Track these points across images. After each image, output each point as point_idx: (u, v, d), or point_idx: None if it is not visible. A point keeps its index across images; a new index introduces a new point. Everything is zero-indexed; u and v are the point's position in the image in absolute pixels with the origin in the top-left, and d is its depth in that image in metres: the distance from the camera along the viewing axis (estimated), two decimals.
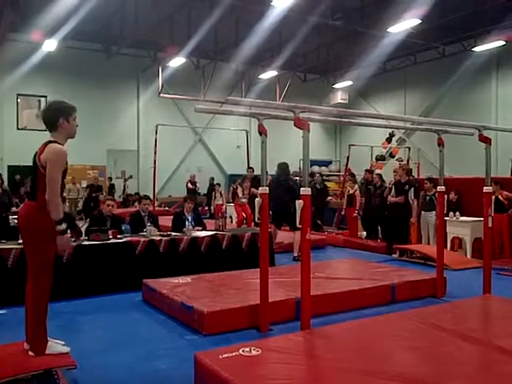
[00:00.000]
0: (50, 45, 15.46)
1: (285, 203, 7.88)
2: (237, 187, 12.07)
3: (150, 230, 6.74)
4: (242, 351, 3.31)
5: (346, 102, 21.72)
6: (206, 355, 3.29)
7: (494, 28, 14.61)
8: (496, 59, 16.66)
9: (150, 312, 5.21)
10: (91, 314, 5.16)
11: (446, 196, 5.99)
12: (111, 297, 5.70)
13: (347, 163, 15.19)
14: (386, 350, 3.58)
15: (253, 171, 11.97)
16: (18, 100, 17.40)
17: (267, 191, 4.46)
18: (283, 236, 9.09)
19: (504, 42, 15.20)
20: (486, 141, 5.54)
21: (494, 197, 7.21)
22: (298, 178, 11.79)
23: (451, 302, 5.35)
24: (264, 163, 4.57)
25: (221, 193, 15.28)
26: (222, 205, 14.98)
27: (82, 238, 6.29)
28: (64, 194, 13.26)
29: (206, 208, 16.30)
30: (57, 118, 3.43)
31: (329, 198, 13.91)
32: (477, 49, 16.11)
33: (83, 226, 8.64)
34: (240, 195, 11.77)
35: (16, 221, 8.00)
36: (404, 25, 13.57)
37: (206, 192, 17.66)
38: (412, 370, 3.14)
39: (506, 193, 8.34)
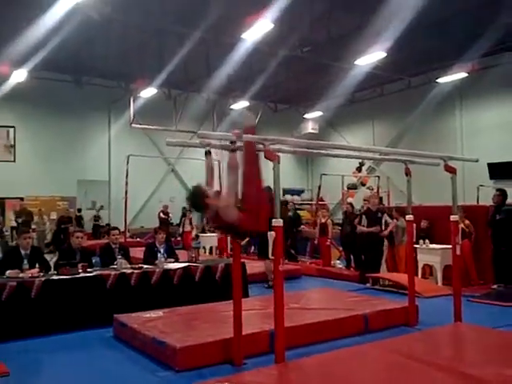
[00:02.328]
0: (19, 75, 15.31)
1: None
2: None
3: (120, 263, 6.61)
4: None
5: (317, 131, 22.05)
6: None
7: (457, 60, 15.22)
8: (459, 90, 17.26)
9: (121, 348, 5.08)
10: (59, 352, 4.99)
11: (416, 224, 6.10)
12: (81, 333, 5.54)
13: (319, 192, 15.36)
14: (360, 382, 3.57)
15: None
16: None
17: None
18: (257, 265, 9.02)
19: (466, 74, 15.82)
20: (452, 171, 5.70)
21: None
22: None
23: (424, 330, 5.40)
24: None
25: (190, 220, 15.21)
26: (191, 232, 14.90)
27: (50, 273, 6.14)
28: (33, 226, 12.91)
29: (179, 238, 16.16)
30: None
31: (301, 226, 13.99)
32: (441, 80, 16.68)
33: (52, 259, 8.44)
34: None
35: None
36: (370, 58, 14.01)
37: (178, 222, 17.53)
38: None
39: (467, 222, 8.57)
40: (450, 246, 5.97)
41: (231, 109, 19.73)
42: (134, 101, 16.97)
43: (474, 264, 8.70)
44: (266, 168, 4.38)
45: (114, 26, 13.54)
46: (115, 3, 12.06)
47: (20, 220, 14.99)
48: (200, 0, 11.85)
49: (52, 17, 11.27)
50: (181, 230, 15.61)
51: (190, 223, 15.71)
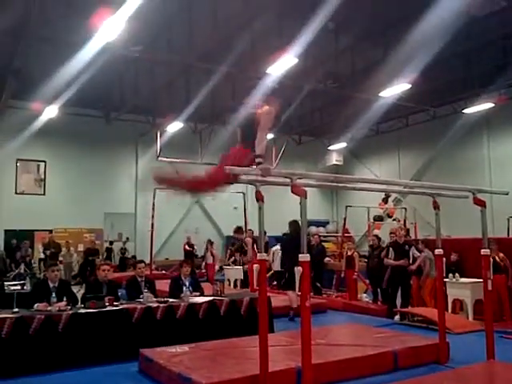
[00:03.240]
0: (51, 111, 15.83)
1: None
2: (234, 250, 12.03)
3: (146, 297, 6.62)
4: None
5: (341, 163, 22.06)
6: None
7: (483, 91, 15.13)
8: (486, 120, 17.11)
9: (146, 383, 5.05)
10: None
11: (445, 258, 5.98)
12: (106, 367, 5.51)
13: (344, 224, 15.23)
14: None
15: (252, 233, 12.02)
16: (18, 164, 17.62)
17: (265, 257, 4.46)
18: (281, 298, 8.93)
19: (493, 104, 15.68)
20: (481, 204, 5.60)
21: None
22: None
23: (455, 368, 5.22)
24: (262, 229, 4.60)
25: (211, 252, 15.20)
26: (214, 265, 14.85)
27: (77, 306, 6.19)
28: (60, 258, 13.09)
29: (204, 271, 16.14)
30: None
31: (327, 258, 13.83)
32: (467, 111, 16.56)
33: (79, 291, 8.52)
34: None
35: (11, 288, 7.89)
36: (394, 89, 14.07)
37: (203, 254, 17.54)
38: None
39: (502, 255, 8.35)
40: (480, 280, 5.82)
41: None
42: (160, 135, 17.30)
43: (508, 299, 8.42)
44: (292, 198, 4.37)
45: (142, 63, 13.99)
46: (143, 41, 12.50)
47: (48, 252, 15.24)
48: (225, 36, 12.17)
49: (84, 55, 11.70)
50: (204, 262, 15.61)
51: (212, 255, 15.73)
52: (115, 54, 12.38)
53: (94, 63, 12.62)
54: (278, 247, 10.85)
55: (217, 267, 15.70)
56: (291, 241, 8.51)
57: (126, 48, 12.07)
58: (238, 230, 12.37)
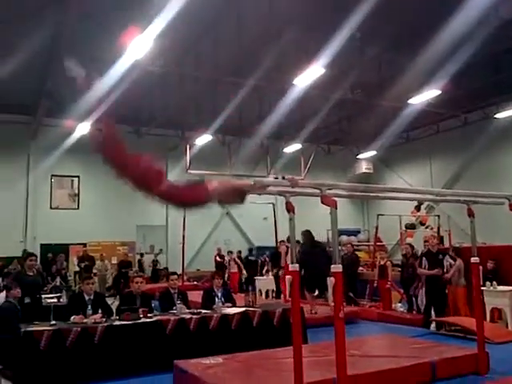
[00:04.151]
0: (83, 128, 16.18)
1: (321, 267, 7.91)
2: (265, 260, 12.02)
3: (179, 308, 6.68)
4: None
5: (371, 171, 21.84)
6: None
7: None
8: None
9: None
10: None
11: (482, 266, 5.84)
12: (141, 379, 5.57)
13: (376, 232, 15.03)
14: None
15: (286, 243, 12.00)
16: (52, 180, 18.08)
17: (297, 268, 4.44)
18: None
19: None
20: None
21: None
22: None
23: (496, 379, 5.07)
24: (293, 239, 4.60)
25: (235, 260, 15.19)
26: (237, 273, 14.86)
27: (112, 318, 6.28)
28: (94, 271, 13.35)
29: (242, 280, 16.17)
30: None
31: (360, 268, 13.66)
32: (499, 115, 16.23)
33: (113, 302, 8.65)
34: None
35: (48, 301, 8.07)
36: (424, 96, 13.88)
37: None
38: None
39: None
40: None
41: (284, 152, 19.94)
42: (190, 148, 17.47)
43: None
44: (322, 207, 4.34)
45: (170, 78, 14.21)
46: (171, 57, 12.72)
47: (82, 265, 15.54)
48: (252, 49, 12.27)
49: (114, 73, 11.96)
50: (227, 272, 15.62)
51: (236, 263, 15.78)
52: (144, 70, 12.61)
53: (124, 80, 12.86)
54: None
55: (243, 277, 15.73)
56: (311, 250, 9.21)
57: (154, 64, 12.29)
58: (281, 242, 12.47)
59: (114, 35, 10.44)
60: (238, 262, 15.95)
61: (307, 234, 9.60)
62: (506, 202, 5.58)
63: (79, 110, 14.41)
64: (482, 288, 7.59)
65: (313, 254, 9.10)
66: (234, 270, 14.81)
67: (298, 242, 10.14)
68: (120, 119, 17.35)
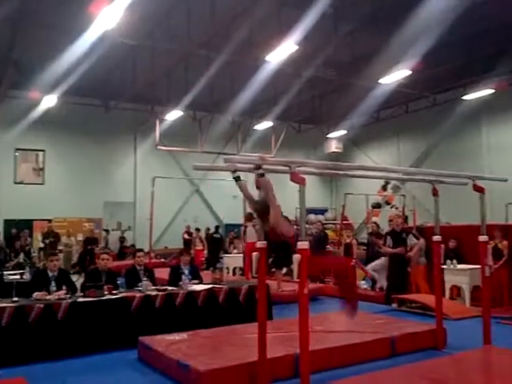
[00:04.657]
0: (49, 101, 15.75)
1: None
2: (233, 237, 12.04)
3: (145, 285, 6.64)
4: None
5: (341, 150, 22.01)
6: None
7: (484, 77, 15.05)
8: (486, 107, 17.01)
9: (145, 371, 5.08)
10: (84, 375, 5.01)
11: (443, 244, 5.99)
12: (105, 355, 5.56)
13: (343, 212, 15.22)
14: None
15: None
16: (16, 154, 17.58)
17: (265, 245, 4.47)
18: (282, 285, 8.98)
19: (493, 90, 15.60)
20: (481, 190, 5.59)
21: (493, 244, 7.24)
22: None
23: (452, 354, 5.26)
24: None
25: (200, 238, 15.21)
26: (202, 250, 14.92)
27: (77, 294, 6.22)
28: (60, 247, 13.12)
29: (203, 259, 16.20)
30: None
31: (327, 246, 13.85)
32: (467, 97, 16.48)
33: (78, 279, 8.56)
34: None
35: (10, 277, 7.90)
36: (395, 76, 13.98)
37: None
38: None
39: (505, 242, 8.37)
40: (478, 267, 5.84)
41: (255, 129, 19.88)
42: (159, 123, 17.23)
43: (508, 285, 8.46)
44: (291, 186, 4.36)
45: (141, 52, 13.89)
46: (142, 30, 12.41)
47: (47, 241, 15.25)
48: (224, 24, 12.06)
49: (82, 44, 11.63)
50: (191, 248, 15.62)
51: (201, 241, 15.80)
52: (114, 42, 12.28)
53: (93, 52, 12.54)
54: None
55: (205, 253, 15.81)
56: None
57: (124, 36, 11.97)
58: (250, 215, 12.19)
59: (83, 3, 10.12)
60: (203, 239, 15.97)
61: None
62: (470, 183, 5.70)
63: (45, 82, 14.08)
64: (443, 266, 7.82)
65: None
66: (200, 247, 14.80)
67: None
68: (88, 93, 17.03)
